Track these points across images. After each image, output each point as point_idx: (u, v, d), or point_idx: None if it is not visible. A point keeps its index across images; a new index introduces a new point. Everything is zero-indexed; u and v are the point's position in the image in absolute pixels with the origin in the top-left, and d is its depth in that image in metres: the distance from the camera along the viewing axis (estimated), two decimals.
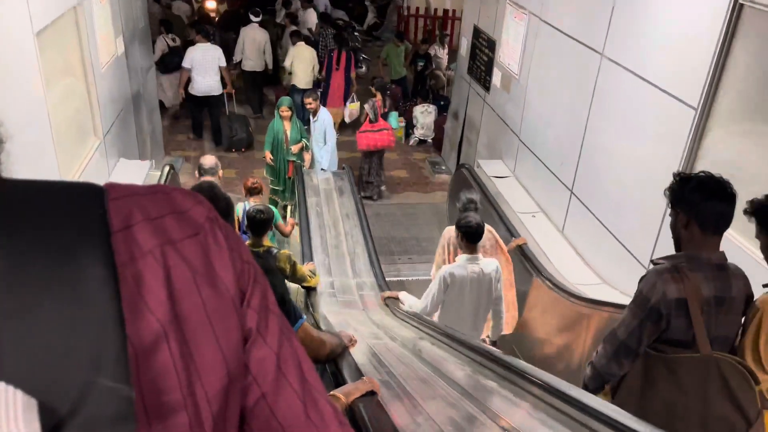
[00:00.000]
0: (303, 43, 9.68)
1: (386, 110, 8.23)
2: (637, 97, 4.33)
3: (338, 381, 2.48)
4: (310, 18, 12.16)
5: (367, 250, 5.10)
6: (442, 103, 10.28)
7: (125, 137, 6.56)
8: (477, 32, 7.77)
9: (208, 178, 4.76)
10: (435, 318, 4.09)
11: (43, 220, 0.53)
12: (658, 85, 4.06)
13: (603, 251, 4.87)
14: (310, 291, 4.42)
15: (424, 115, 9.83)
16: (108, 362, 0.50)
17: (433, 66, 11.74)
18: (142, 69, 7.67)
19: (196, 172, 4.99)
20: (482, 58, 7.56)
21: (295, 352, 0.71)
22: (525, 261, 5.11)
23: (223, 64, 8.58)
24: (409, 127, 10.08)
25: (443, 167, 8.96)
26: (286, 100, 7.05)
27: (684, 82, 3.84)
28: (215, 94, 8.68)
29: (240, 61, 9.67)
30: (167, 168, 6.16)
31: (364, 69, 13.34)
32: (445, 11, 14.27)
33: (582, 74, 5.11)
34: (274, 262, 3.78)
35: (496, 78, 7.11)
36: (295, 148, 6.85)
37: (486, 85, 7.44)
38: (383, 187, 8.19)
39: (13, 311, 0.48)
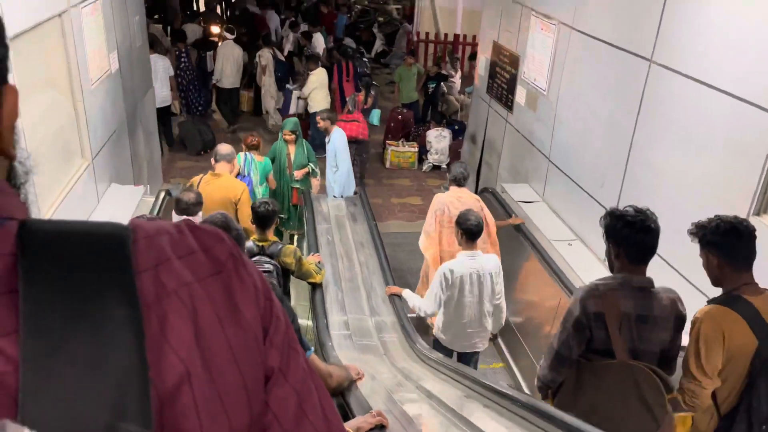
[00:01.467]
0: (321, 68, 9.37)
1: (366, 107, 8.46)
2: (698, 105, 3.76)
3: (345, 414, 2.31)
4: (319, 43, 11.83)
5: (385, 283, 4.49)
6: (456, 127, 9.77)
7: (118, 161, 6.02)
8: (497, 49, 7.27)
9: (223, 163, 5.02)
10: (438, 318, 4.12)
11: (68, 262, 0.53)
12: (728, 91, 3.49)
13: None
14: (315, 289, 4.21)
15: (438, 139, 9.31)
16: (131, 406, 0.50)
17: (445, 89, 11.32)
18: (140, 90, 7.19)
19: (212, 159, 5.17)
20: (503, 75, 7.05)
21: (316, 391, 0.71)
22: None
23: (172, 73, 8.94)
24: (423, 152, 9.55)
25: None
26: (289, 122, 6.51)
27: (762, 85, 3.27)
28: (168, 104, 8.98)
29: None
30: (162, 194, 5.60)
31: (372, 93, 12.94)
32: (456, 36, 13.90)
33: (625, 84, 4.56)
34: (279, 267, 3.74)
35: (520, 96, 6.58)
36: (298, 174, 6.27)
37: (508, 104, 6.91)
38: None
39: (37, 354, 0.48)
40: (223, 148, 5.11)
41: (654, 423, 2.29)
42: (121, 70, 6.25)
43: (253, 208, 4.02)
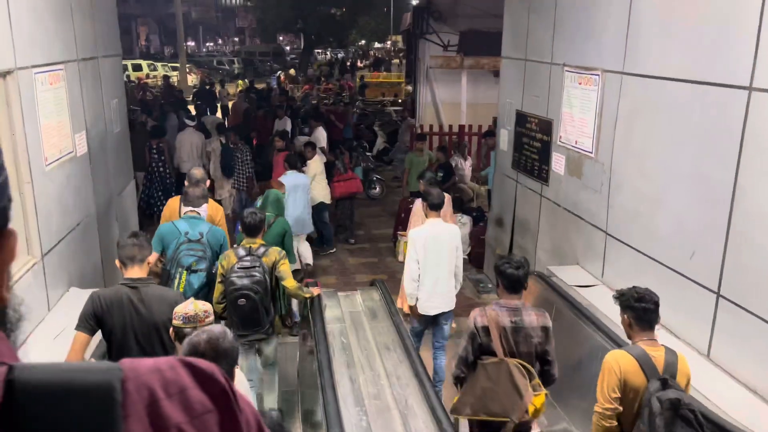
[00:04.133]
0: (319, 156, 8.65)
1: (351, 165, 9.31)
2: None
3: None
4: (321, 135, 11.19)
5: (425, 398, 3.26)
6: (475, 214, 8.80)
7: (82, 260, 4.95)
8: (521, 118, 6.44)
9: (194, 188, 4.75)
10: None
11: (52, 418, 0.54)
12: None
13: None
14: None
15: (458, 226, 8.28)
16: None
17: (456, 178, 10.54)
18: (117, 181, 6.26)
19: (186, 182, 5.13)
20: (533, 145, 6.16)
21: None
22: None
23: None
24: None
25: (490, 285, 7.23)
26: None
27: None
28: None
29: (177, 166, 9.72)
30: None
31: (377, 190, 12.18)
32: (461, 127, 13.32)
33: (714, 123, 3.60)
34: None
35: (558, 164, 5.64)
36: None
37: (543, 175, 5.96)
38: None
39: None
40: (196, 172, 5.14)
41: (519, 398, 3.24)
42: (91, 155, 5.33)
43: (242, 219, 4.35)
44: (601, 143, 4.87)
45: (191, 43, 51.52)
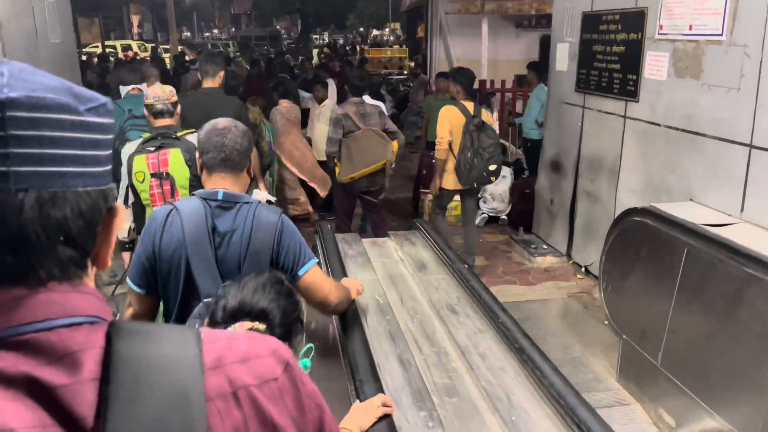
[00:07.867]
0: (331, 100, 7.26)
1: None
2: None
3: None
4: (332, 90, 9.74)
5: (547, 390, 1.76)
6: (515, 167, 7.29)
7: None
8: (592, 21, 4.91)
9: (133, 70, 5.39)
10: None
11: (148, 364, 0.61)
12: None
13: None
14: None
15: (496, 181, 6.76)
16: None
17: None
18: None
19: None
20: (612, 52, 4.63)
21: None
22: None
23: None
24: None
25: (544, 246, 5.71)
26: None
27: None
28: None
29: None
30: None
31: None
32: (482, 82, 11.76)
33: None
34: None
35: (656, 67, 4.12)
36: None
37: (628, 89, 4.44)
38: None
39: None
40: (150, 71, 5.48)
41: (386, 144, 4.74)
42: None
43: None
44: (740, 17, 3.35)
45: (187, 34, 50.03)
